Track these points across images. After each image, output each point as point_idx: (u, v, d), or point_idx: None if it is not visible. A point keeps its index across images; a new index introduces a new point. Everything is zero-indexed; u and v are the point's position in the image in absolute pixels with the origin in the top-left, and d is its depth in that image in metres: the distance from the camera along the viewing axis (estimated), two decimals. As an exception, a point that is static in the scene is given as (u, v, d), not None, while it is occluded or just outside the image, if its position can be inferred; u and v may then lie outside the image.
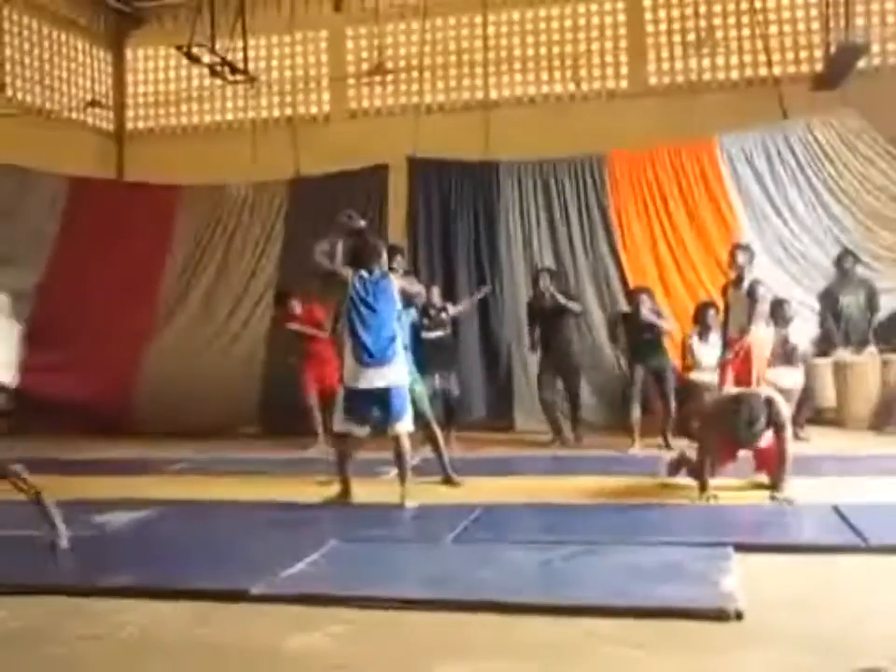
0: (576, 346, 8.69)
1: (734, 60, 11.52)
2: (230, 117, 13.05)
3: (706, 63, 11.55)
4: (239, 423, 9.78)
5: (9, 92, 11.78)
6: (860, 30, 10.04)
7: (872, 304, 8.90)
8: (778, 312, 8.35)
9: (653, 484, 6.02)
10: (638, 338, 8.11)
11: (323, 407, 8.04)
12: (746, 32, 11.43)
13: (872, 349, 8.78)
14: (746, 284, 7.40)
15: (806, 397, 8.20)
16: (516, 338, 9.50)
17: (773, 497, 5.40)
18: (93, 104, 12.89)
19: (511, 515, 5.43)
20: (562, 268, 9.60)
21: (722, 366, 7.46)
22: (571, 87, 11.95)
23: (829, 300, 8.90)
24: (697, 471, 5.61)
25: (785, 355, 8.26)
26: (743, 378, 6.74)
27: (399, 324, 5.88)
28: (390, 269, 6.09)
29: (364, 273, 5.74)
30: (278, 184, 10.79)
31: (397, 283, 5.91)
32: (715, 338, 8.06)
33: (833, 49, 10.10)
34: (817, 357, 8.72)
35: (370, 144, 10.69)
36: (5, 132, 10.48)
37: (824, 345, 8.83)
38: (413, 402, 6.02)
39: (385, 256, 5.95)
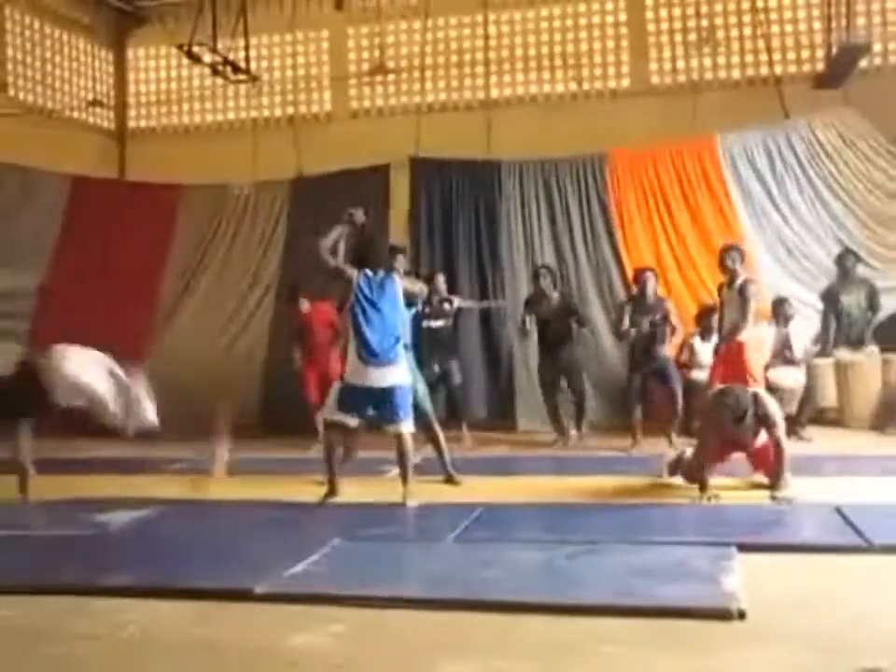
0: (578, 346, 8.67)
1: (735, 59, 11.49)
2: (231, 116, 13.04)
3: (707, 62, 11.52)
4: (239, 422, 9.75)
5: (11, 92, 11.77)
6: (861, 30, 10.04)
7: (872, 304, 8.89)
8: (780, 310, 8.36)
9: (655, 484, 6.01)
10: (643, 322, 7.97)
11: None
12: (747, 31, 11.41)
13: (873, 348, 8.77)
14: (737, 283, 7.40)
15: (808, 396, 8.20)
16: (518, 337, 9.50)
17: (773, 497, 5.40)
18: (95, 103, 12.88)
19: (512, 514, 5.43)
20: (563, 267, 9.61)
21: (713, 365, 7.47)
22: (573, 86, 11.93)
23: (830, 299, 8.89)
24: (694, 472, 5.61)
25: (786, 354, 8.27)
26: (739, 377, 6.70)
27: (402, 323, 5.87)
28: (393, 269, 6.09)
29: (369, 273, 5.74)
30: (280, 183, 10.81)
31: (400, 283, 5.90)
32: (717, 339, 8.05)
33: (834, 49, 10.10)
34: (818, 357, 8.72)
35: (371, 143, 10.69)
36: (6, 131, 10.48)
37: (825, 345, 8.82)
38: (415, 402, 6.03)
39: (388, 256, 5.96)
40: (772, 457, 5.51)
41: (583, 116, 11.29)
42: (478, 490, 6.08)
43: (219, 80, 11.62)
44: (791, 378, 8.14)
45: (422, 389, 6.49)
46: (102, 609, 3.83)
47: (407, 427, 5.73)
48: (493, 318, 9.77)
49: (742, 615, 3.38)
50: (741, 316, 7.23)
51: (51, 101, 12.38)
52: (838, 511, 4.91)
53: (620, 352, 9.27)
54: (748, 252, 8.80)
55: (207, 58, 10.81)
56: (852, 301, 8.85)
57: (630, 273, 9.39)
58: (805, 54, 11.27)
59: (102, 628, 3.59)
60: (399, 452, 5.73)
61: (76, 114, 12.72)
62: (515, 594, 3.74)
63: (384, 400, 5.67)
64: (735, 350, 7.22)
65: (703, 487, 5.46)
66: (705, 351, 8.29)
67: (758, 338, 7.61)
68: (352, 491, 5.91)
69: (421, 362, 7.02)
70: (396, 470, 5.91)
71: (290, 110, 12.69)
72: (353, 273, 5.71)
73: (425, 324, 7.99)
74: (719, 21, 11.55)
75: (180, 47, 10.76)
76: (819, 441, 7.79)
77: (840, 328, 8.82)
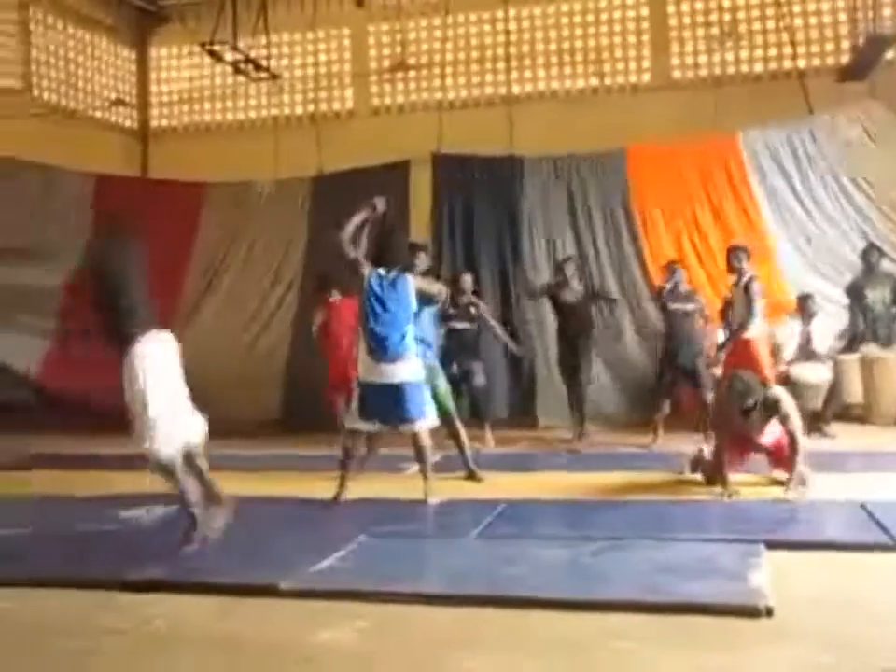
0: (594, 337, 8.56)
1: (758, 53, 11.42)
2: (252, 114, 13.11)
3: (729, 56, 11.46)
4: (262, 419, 9.81)
5: (35, 92, 11.89)
6: (887, 20, 9.92)
7: (896, 298, 8.82)
8: (803, 306, 8.29)
9: (677, 481, 5.99)
10: (674, 315, 7.95)
11: (348, 402, 8.02)
12: (770, 24, 11.34)
13: (899, 344, 8.69)
14: (743, 281, 7.38)
15: (833, 392, 8.14)
16: (539, 334, 9.48)
17: (786, 491, 5.33)
18: (118, 102, 12.99)
19: (535, 511, 5.42)
20: (585, 262, 9.57)
21: (724, 362, 7.45)
22: (594, 81, 11.91)
23: (856, 294, 8.82)
24: (714, 469, 5.59)
25: (810, 350, 8.21)
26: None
27: (413, 322, 5.83)
28: (412, 266, 6.07)
29: (382, 271, 5.72)
30: (301, 181, 10.84)
31: (414, 283, 5.82)
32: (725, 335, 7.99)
33: (860, 41, 9.99)
34: (843, 353, 8.65)
35: (393, 140, 10.71)
36: (31, 131, 10.59)
37: (852, 341, 8.75)
38: (437, 399, 6.03)
39: (408, 253, 5.94)
40: (786, 451, 5.47)
41: (604, 111, 11.26)
42: (500, 486, 6.08)
43: (241, 78, 11.70)
44: (815, 374, 8.08)
45: (443, 386, 6.49)
46: (129, 603, 3.87)
47: (422, 424, 5.71)
48: (514, 315, 9.74)
49: (770, 612, 3.36)
50: (747, 313, 7.28)
51: (74, 101, 12.50)
52: (863, 507, 4.88)
53: (642, 348, 9.24)
54: (770, 248, 8.75)
55: (228, 56, 10.88)
56: (877, 296, 8.76)
57: (652, 270, 9.38)
58: (829, 47, 11.19)
59: (129, 622, 3.63)
60: (416, 449, 5.73)
61: (98, 113, 12.83)
62: (539, 590, 3.73)
63: (397, 399, 5.66)
64: (743, 346, 7.24)
65: (723, 483, 5.44)
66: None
67: (768, 334, 7.61)
68: (374, 488, 5.93)
69: (443, 362, 7.00)
70: (415, 467, 5.92)
71: (311, 108, 12.73)
72: (366, 271, 5.70)
73: (450, 324, 7.97)
74: (741, 14, 11.49)
75: (202, 45, 10.84)
76: (845, 437, 7.73)
77: (866, 323, 8.75)
